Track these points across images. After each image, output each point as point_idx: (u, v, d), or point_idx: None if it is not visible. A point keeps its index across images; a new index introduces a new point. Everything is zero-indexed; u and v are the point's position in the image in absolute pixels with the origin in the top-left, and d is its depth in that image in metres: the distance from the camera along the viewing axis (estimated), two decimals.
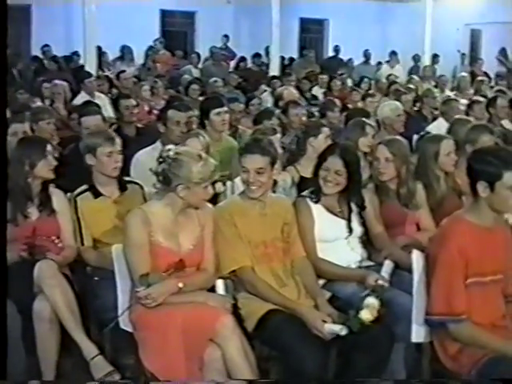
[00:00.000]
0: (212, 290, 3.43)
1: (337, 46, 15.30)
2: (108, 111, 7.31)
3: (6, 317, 2.36)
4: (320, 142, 4.74)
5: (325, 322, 3.25)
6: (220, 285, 3.42)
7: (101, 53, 12.42)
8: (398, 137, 4.63)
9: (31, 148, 4.00)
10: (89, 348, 3.48)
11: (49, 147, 4.09)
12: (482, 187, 2.99)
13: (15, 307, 3.55)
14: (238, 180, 4.40)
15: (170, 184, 3.31)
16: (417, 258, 3.29)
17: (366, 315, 3.19)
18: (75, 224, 3.94)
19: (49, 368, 3.58)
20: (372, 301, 3.24)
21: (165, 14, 15.18)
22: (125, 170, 4.41)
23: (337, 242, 3.80)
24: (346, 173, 3.71)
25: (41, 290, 3.54)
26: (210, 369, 3.10)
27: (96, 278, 3.84)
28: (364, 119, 5.27)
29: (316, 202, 3.77)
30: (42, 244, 3.80)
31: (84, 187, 3.99)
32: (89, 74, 8.99)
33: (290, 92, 7.96)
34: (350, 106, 8.51)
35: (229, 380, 3.13)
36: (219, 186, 4.36)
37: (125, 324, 3.42)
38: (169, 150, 3.36)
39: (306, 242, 3.68)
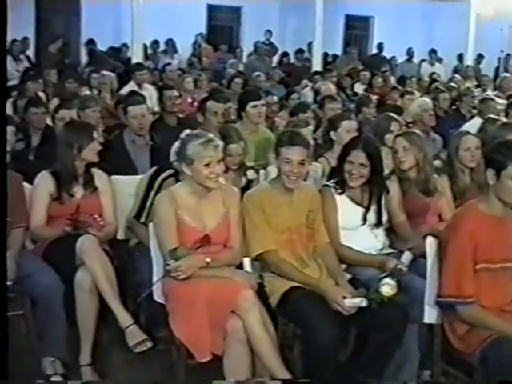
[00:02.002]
0: (240, 267, 3.64)
1: (380, 43, 15.37)
2: (154, 102, 7.57)
3: (6, 316, 2.40)
4: (340, 135, 4.90)
5: (345, 298, 3.43)
6: (247, 263, 3.62)
7: (153, 45, 12.80)
8: (415, 130, 4.76)
9: (80, 132, 4.27)
10: (124, 317, 3.71)
11: (95, 132, 4.38)
12: (490, 174, 3.15)
13: (59, 277, 3.84)
14: (270, 168, 4.64)
15: (180, 164, 3.60)
16: (430, 244, 3.47)
17: (386, 290, 3.40)
18: (146, 203, 4.19)
19: (87, 336, 3.83)
20: (390, 281, 3.45)
21: (211, 9, 15.44)
22: None
23: (359, 229, 3.99)
24: (369, 165, 3.88)
25: (82, 262, 3.80)
26: (232, 338, 3.31)
27: (137, 253, 4.13)
28: (391, 115, 5.37)
29: (340, 194, 3.96)
30: (85, 220, 4.09)
31: (171, 171, 4.22)
32: (141, 67, 9.24)
33: (327, 87, 8.12)
34: (389, 103, 8.61)
35: (267, 380, 3.36)
36: (251, 173, 4.56)
37: (158, 296, 3.68)
38: (184, 133, 3.64)
39: (329, 228, 3.87)
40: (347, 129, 4.95)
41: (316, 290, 3.52)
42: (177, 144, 5.12)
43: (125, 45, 12.79)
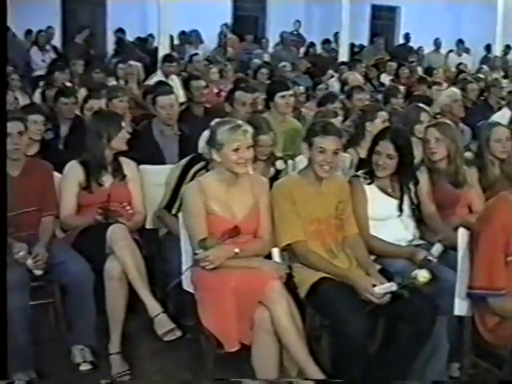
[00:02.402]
0: (269, 257, 3.63)
1: (407, 33, 15.23)
2: (179, 92, 7.59)
3: (6, 316, 2.40)
4: (376, 126, 4.85)
5: (375, 286, 3.43)
6: (276, 253, 3.61)
7: (181, 36, 12.83)
8: (447, 120, 4.72)
9: (109, 122, 4.29)
10: (153, 306, 3.72)
11: (123, 122, 4.40)
12: None
13: (89, 266, 3.87)
14: (298, 159, 4.63)
15: (210, 155, 3.60)
16: (462, 235, 3.46)
17: (422, 275, 3.42)
18: (177, 194, 4.22)
19: (116, 324, 3.86)
20: (422, 271, 3.45)
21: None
22: None
23: (389, 220, 3.97)
24: (397, 157, 3.86)
25: (112, 251, 3.83)
26: (260, 328, 3.31)
27: (167, 244, 4.15)
28: (420, 105, 5.34)
29: (369, 184, 3.94)
30: (116, 209, 4.11)
31: (203, 164, 4.24)
32: (171, 58, 9.26)
33: (355, 77, 8.08)
34: (417, 93, 8.56)
35: (300, 380, 3.36)
36: (280, 164, 4.56)
37: (187, 285, 3.71)
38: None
39: (358, 219, 3.86)
40: (382, 119, 4.95)
41: (345, 281, 3.52)
42: (206, 133, 5.17)
43: (151, 35, 12.81)
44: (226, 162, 3.54)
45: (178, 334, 3.68)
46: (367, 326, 3.35)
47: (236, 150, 3.51)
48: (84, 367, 3.88)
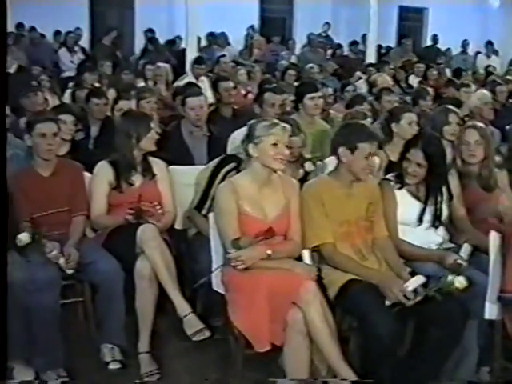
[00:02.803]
0: (299, 259, 3.64)
1: (435, 35, 15.15)
2: (208, 93, 7.62)
3: (6, 316, 2.41)
4: (402, 127, 4.83)
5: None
6: (306, 255, 3.61)
7: (209, 37, 12.89)
8: (481, 124, 4.67)
9: (138, 122, 4.31)
10: (183, 306, 3.75)
11: (152, 122, 4.42)
12: None
13: (119, 265, 3.89)
14: (327, 160, 4.62)
15: (245, 149, 3.61)
16: (494, 239, 3.43)
17: (458, 280, 3.37)
18: (208, 195, 4.23)
19: (146, 324, 3.88)
20: (459, 277, 3.41)
21: (264, 1, 15.41)
22: None
23: (419, 224, 3.94)
24: (427, 165, 3.82)
25: (142, 250, 3.85)
26: (292, 329, 3.31)
27: (197, 244, 4.16)
28: (449, 107, 5.28)
29: (399, 189, 3.93)
30: (146, 209, 4.12)
31: (233, 165, 4.23)
32: (201, 60, 9.30)
33: (383, 79, 8.06)
34: (446, 95, 8.51)
35: (336, 380, 3.36)
36: (309, 165, 4.55)
37: (217, 286, 3.72)
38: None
39: (388, 222, 3.84)
40: (409, 121, 4.89)
41: (374, 282, 3.50)
42: (235, 134, 5.20)
43: (178, 37, 12.87)
44: (263, 157, 3.56)
45: (207, 334, 3.70)
46: (395, 328, 3.34)
47: (274, 144, 3.53)
48: (113, 366, 3.90)
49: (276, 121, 3.63)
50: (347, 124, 3.88)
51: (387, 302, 3.40)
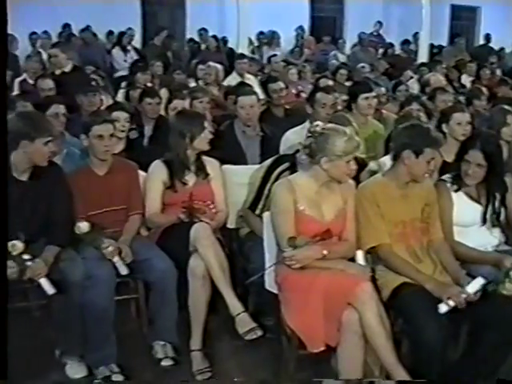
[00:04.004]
0: (352, 259, 3.62)
1: (488, 34, 14.91)
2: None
3: (6, 316, 2.39)
4: (451, 128, 4.75)
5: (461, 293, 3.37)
6: (360, 256, 3.59)
7: (259, 36, 12.91)
8: None
9: (192, 122, 4.33)
10: (235, 305, 3.75)
11: (206, 122, 4.44)
12: None
13: (173, 263, 3.92)
14: (382, 160, 4.57)
15: (314, 157, 3.56)
16: None
17: None
18: (262, 194, 4.24)
19: (198, 321, 3.90)
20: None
21: (314, 0, 15.37)
22: None
23: (474, 226, 3.90)
24: (486, 165, 3.78)
25: (196, 249, 3.87)
26: (347, 330, 3.30)
27: (250, 243, 4.17)
28: (506, 108, 5.17)
29: (456, 191, 3.88)
30: (200, 208, 4.16)
31: (287, 165, 4.24)
32: (242, 55, 9.35)
33: (437, 78, 7.93)
34: (501, 95, 8.35)
35: (381, 380, 3.35)
36: (373, 165, 4.50)
37: (270, 285, 3.73)
38: (317, 125, 3.62)
39: (444, 224, 3.80)
40: (458, 121, 4.80)
41: (427, 287, 3.47)
42: (288, 134, 5.18)
43: (224, 38, 12.91)
44: (334, 172, 3.55)
45: (259, 333, 3.69)
46: (445, 333, 3.29)
47: (349, 161, 3.53)
48: (165, 363, 3.94)
49: (350, 134, 3.55)
50: (412, 126, 3.79)
51: (442, 309, 3.36)
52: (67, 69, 7.87)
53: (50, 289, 3.60)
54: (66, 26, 12.11)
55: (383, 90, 6.88)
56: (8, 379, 2.56)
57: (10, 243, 3.50)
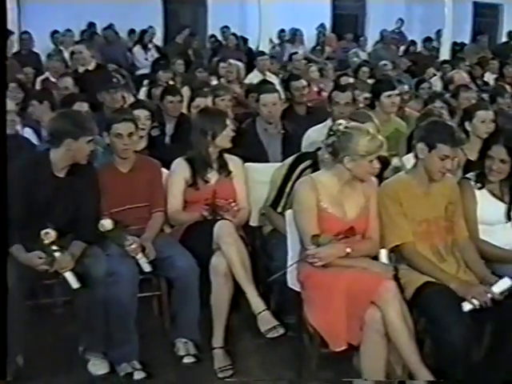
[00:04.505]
0: (375, 258, 3.60)
1: (511, 31, 14.77)
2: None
3: (6, 316, 2.40)
4: (475, 125, 4.71)
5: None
6: (383, 254, 3.57)
7: (280, 34, 12.91)
8: None
9: (214, 120, 4.33)
10: (258, 303, 3.74)
11: (228, 119, 4.44)
12: None
13: (195, 261, 3.93)
14: (405, 158, 4.55)
15: (337, 155, 3.54)
16: None
17: None
18: (283, 192, 4.23)
19: (220, 319, 3.89)
20: None
21: None
22: None
23: (498, 225, 3.87)
24: (510, 161, 3.75)
25: (218, 247, 3.88)
26: (370, 329, 3.28)
27: (273, 241, 4.17)
28: None
29: (480, 189, 3.85)
30: (222, 205, 4.16)
31: (309, 162, 4.23)
32: (262, 53, 9.35)
33: (460, 76, 7.88)
34: None
35: (411, 380, 3.33)
36: (396, 161, 4.47)
37: (292, 283, 3.72)
38: (340, 124, 3.60)
39: (468, 222, 3.77)
40: (482, 119, 4.76)
41: (451, 287, 3.44)
42: (310, 132, 5.17)
43: (242, 36, 12.90)
44: (358, 171, 3.53)
45: (281, 331, 3.68)
46: (468, 333, 3.26)
47: (371, 161, 3.51)
48: (187, 360, 3.94)
49: (373, 133, 3.52)
50: (433, 121, 3.77)
51: (466, 307, 3.33)
52: (90, 67, 7.92)
53: (74, 283, 3.63)
54: (91, 24, 12.17)
55: (406, 87, 6.83)
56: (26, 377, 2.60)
57: (43, 231, 3.60)
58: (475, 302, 3.34)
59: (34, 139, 5.22)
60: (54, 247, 3.62)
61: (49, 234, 3.61)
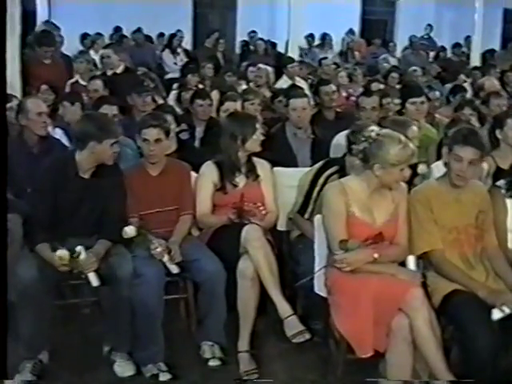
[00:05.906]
0: (403, 264, 3.60)
1: None
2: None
3: (6, 315, 2.39)
4: (506, 134, 4.64)
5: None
6: (411, 261, 3.56)
7: (309, 39, 12.90)
8: None
9: (243, 124, 4.34)
10: (284, 307, 3.75)
11: (258, 124, 4.44)
12: None
13: (222, 264, 3.93)
14: (435, 165, 4.52)
15: (367, 162, 3.53)
16: None
17: None
18: (310, 198, 4.24)
19: (247, 323, 3.89)
20: None
21: (366, 3, 15.31)
22: None
23: None
24: None
25: (246, 250, 3.88)
26: (397, 336, 3.28)
27: (300, 246, 4.17)
28: None
29: (511, 197, 3.81)
30: (250, 209, 4.17)
31: (335, 168, 4.24)
32: (291, 59, 9.34)
33: (491, 83, 7.79)
34: None
35: (433, 381, 3.32)
36: (422, 168, 4.44)
37: (319, 288, 3.72)
38: (372, 130, 3.59)
39: (498, 231, 3.74)
40: None
41: (480, 295, 3.42)
42: (338, 137, 5.15)
43: (271, 41, 12.90)
44: (387, 179, 3.52)
45: (307, 336, 3.69)
46: (497, 342, 3.24)
47: (402, 169, 3.50)
48: (213, 363, 3.95)
49: (405, 142, 3.49)
50: (459, 128, 3.77)
51: (496, 315, 3.30)
52: (119, 70, 7.98)
53: (94, 280, 3.66)
54: (118, 28, 12.27)
55: (438, 94, 6.78)
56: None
57: (56, 255, 3.63)
58: (506, 309, 3.30)
59: (64, 140, 5.27)
60: (78, 248, 3.66)
61: (63, 257, 3.63)
